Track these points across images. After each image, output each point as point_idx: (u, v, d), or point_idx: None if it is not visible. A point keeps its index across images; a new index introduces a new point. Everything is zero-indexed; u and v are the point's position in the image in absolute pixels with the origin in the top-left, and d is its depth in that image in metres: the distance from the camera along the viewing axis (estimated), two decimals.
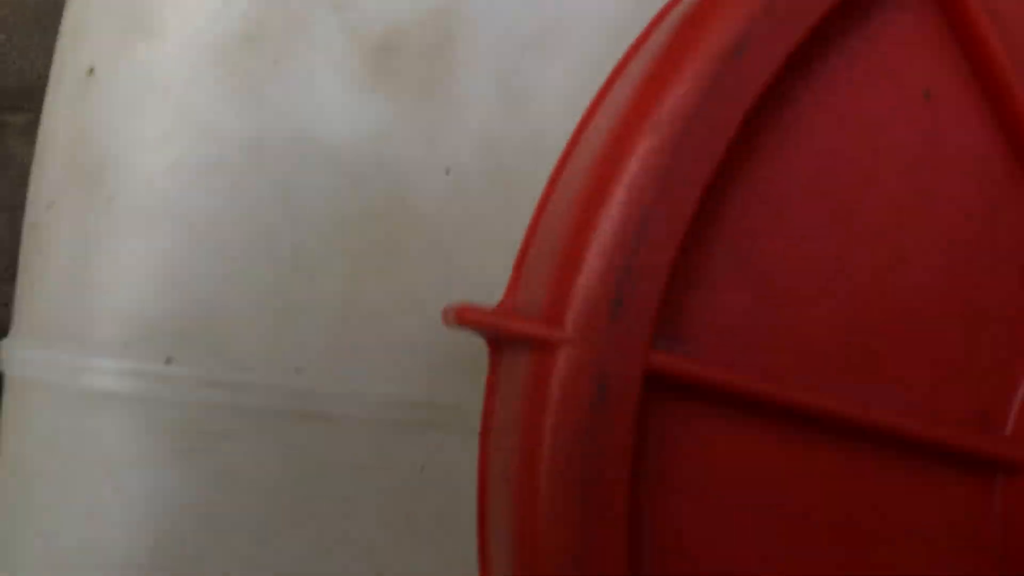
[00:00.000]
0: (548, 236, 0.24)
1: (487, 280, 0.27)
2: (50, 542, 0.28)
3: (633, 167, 0.22)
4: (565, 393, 0.21)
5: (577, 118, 0.26)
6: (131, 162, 0.29)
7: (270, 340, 0.27)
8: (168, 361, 0.27)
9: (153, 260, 0.28)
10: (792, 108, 0.23)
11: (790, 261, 0.23)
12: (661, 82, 0.22)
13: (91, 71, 0.30)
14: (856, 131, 0.24)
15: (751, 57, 0.22)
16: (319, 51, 0.28)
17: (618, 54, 0.26)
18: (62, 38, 0.32)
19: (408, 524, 0.27)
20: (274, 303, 0.27)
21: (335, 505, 0.27)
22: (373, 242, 0.28)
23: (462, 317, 0.23)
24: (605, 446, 0.21)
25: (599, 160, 0.23)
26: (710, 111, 0.22)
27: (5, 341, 0.32)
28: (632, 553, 0.22)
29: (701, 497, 0.22)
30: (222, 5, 0.28)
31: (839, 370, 0.23)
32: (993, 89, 0.24)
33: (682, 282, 0.22)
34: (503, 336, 0.23)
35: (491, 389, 0.25)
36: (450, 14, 0.29)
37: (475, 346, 0.26)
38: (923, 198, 0.24)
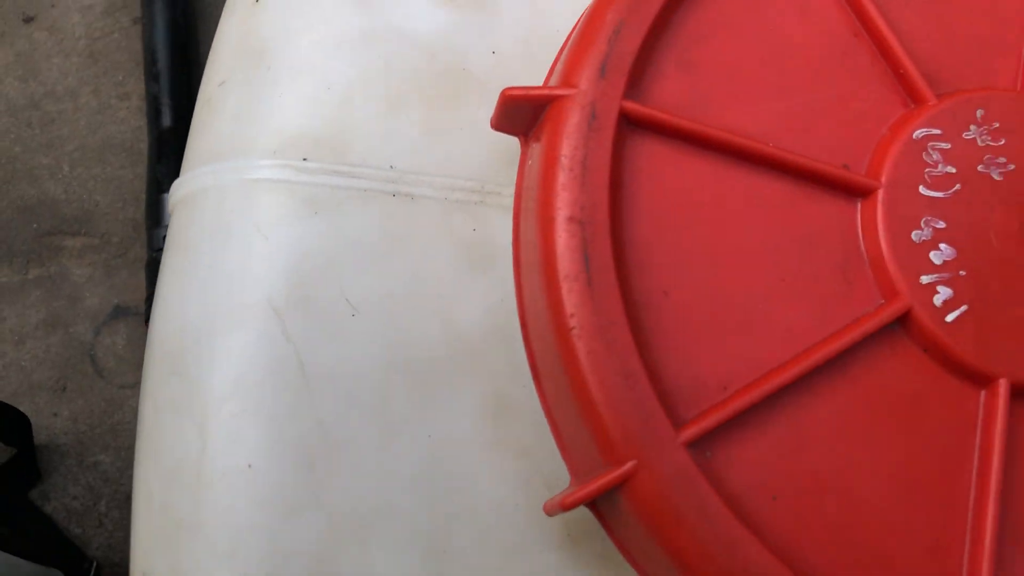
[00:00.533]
0: (566, 46, 0.38)
1: None
2: (207, 289, 0.40)
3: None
4: (570, 122, 0.35)
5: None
6: (284, 45, 0.43)
7: (373, 144, 0.41)
8: (305, 159, 0.41)
9: (297, 101, 0.42)
10: None
11: (722, 57, 0.37)
12: None
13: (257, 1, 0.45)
14: None
15: None
16: None
17: None
18: None
19: (465, 263, 0.40)
20: (374, 125, 0.41)
21: (415, 256, 0.40)
22: (443, 94, 0.42)
23: (509, 94, 0.37)
24: (596, 154, 0.34)
25: (596, 5, 0.37)
26: None
27: (175, 182, 0.45)
28: (616, 251, 0.34)
29: (658, 225, 0.35)
30: None
31: (757, 120, 0.36)
32: None
33: (645, 63, 0.36)
34: (542, 99, 0.36)
35: (521, 171, 0.38)
36: None
37: (512, 150, 0.39)
38: (805, 27, 0.38)
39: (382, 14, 0.43)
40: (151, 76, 1.34)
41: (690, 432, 0.32)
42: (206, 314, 0.40)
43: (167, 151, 1.12)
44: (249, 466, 0.37)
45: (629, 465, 0.32)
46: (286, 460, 0.37)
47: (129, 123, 1.65)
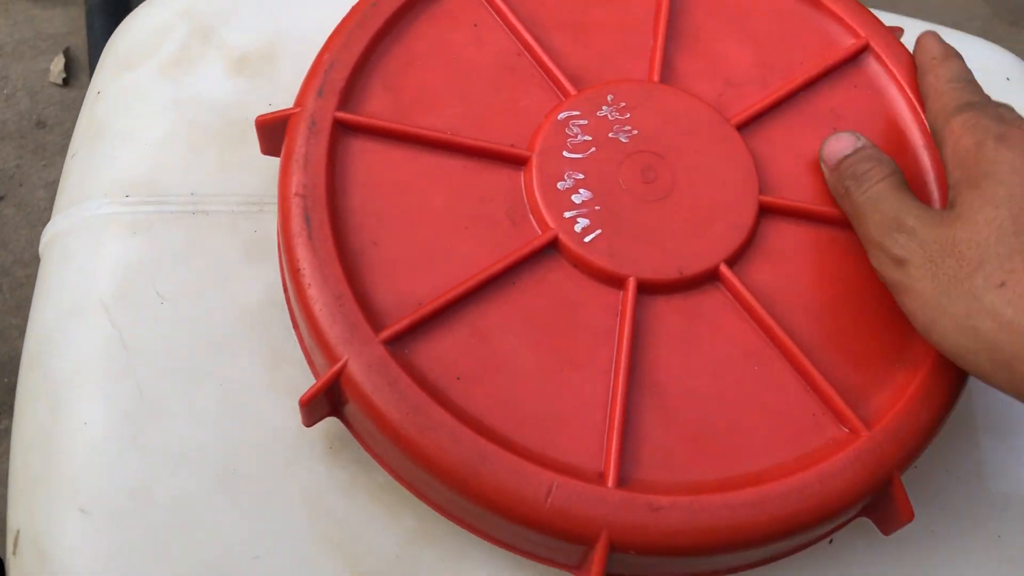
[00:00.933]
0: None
1: None
2: (57, 302, 0.52)
3: (333, 40, 0.49)
4: (298, 129, 0.47)
5: None
6: (115, 120, 0.56)
7: (178, 179, 0.53)
8: (127, 196, 0.53)
9: (122, 157, 0.55)
10: (410, 21, 0.51)
11: (417, 80, 0.50)
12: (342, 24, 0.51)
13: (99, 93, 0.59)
14: (443, 35, 0.52)
15: (383, 6, 0.51)
16: None
17: None
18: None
19: (249, 256, 0.51)
20: (179, 166, 0.54)
21: (210, 255, 0.51)
22: (232, 138, 0.55)
23: (259, 119, 0.49)
24: (315, 150, 0.47)
25: (319, 52, 0.51)
26: (363, 21, 0.50)
27: (43, 232, 0.57)
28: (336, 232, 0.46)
29: (368, 197, 0.48)
30: None
31: (444, 120, 0.49)
32: (507, 22, 0.52)
33: (354, 87, 0.49)
34: (280, 118, 0.49)
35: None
36: None
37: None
38: (481, 53, 0.51)
39: (187, 88, 0.57)
40: None
41: (386, 333, 0.43)
42: (57, 319, 0.52)
43: None
44: (85, 423, 0.48)
45: (341, 362, 0.43)
46: (113, 416, 0.48)
47: None
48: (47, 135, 1.88)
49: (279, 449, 0.48)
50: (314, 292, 0.44)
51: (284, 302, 0.50)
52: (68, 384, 0.50)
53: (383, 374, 0.42)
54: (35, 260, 1.83)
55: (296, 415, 0.47)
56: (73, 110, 1.93)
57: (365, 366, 0.43)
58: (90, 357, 0.50)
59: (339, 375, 0.43)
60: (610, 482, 0.41)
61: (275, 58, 0.57)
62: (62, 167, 0.55)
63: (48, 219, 0.56)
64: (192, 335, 0.50)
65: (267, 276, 0.51)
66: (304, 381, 0.47)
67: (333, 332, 0.43)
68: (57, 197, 0.57)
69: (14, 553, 0.49)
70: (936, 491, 0.49)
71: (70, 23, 2.05)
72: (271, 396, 0.49)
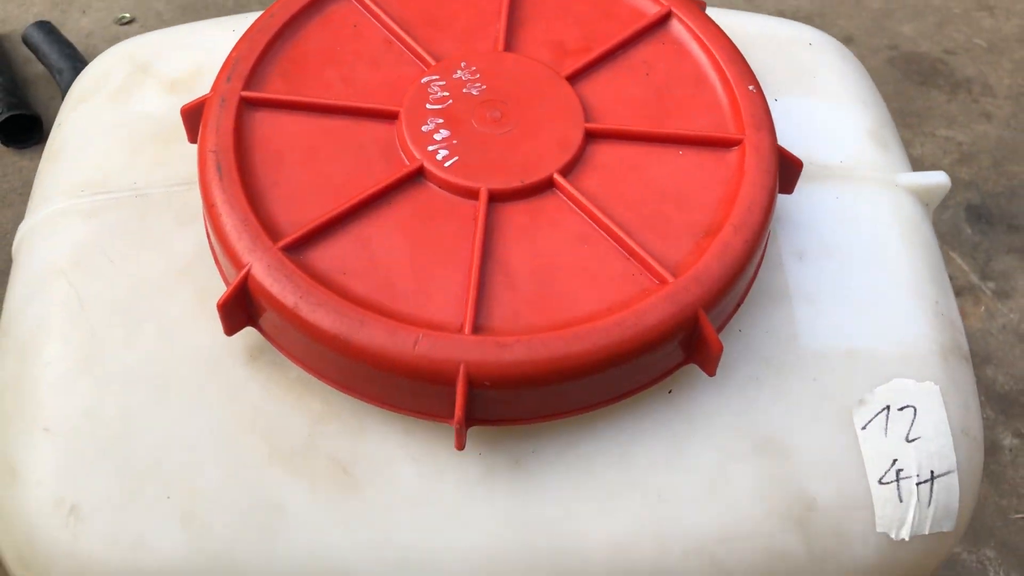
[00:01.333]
0: None
1: None
2: (27, 279, 0.63)
3: (238, 44, 0.62)
4: (211, 107, 0.59)
5: None
6: (74, 152, 0.68)
7: (122, 174, 0.65)
8: (82, 191, 0.65)
9: (73, 166, 0.67)
10: (301, 25, 0.64)
11: (308, 69, 0.62)
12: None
13: None
14: (328, 34, 0.64)
15: (277, 16, 0.64)
16: None
17: None
18: None
19: (180, 220, 0.63)
20: (122, 164, 0.66)
21: (150, 224, 0.63)
22: (168, 139, 0.67)
23: (183, 108, 0.61)
24: (224, 119, 0.58)
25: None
26: (262, 27, 0.63)
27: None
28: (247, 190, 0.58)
29: (269, 153, 0.59)
30: None
31: (329, 92, 0.61)
32: (379, 20, 0.65)
33: (256, 74, 0.61)
34: (199, 102, 0.61)
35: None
36: None
37: None
38: (357, 43, 0.64)
39: (130, 108, 0.69)
40: None
41: (282, 243, 0.54)
42: (25, 294, 0.62)
43: None
44: (47, 363, 0.58)
45: (247, 267, 0.53)
46: (69, 354, 0.58)
47: None
48: None
49: (207, 363, 0.57)
50: (224, 218, 0.55)
51: (210, 252, 0.60)
52: (34, 337, 0.60)
53: (280, 270, 0.53)
54: None
55: (222, 336, 0.57)
56: None
57: (265, 266, 0.53)
58: (52, 312, 0.60)
59: (247, 277, 0.53)
60: (466, 330, 0.51)
61: (200, 77, 0.70)
62: None
63: None
64: (135, 286, 0.60)
65: (196, 236, 0.62)
66: None
67: (240, 245, 0.54)
68: (27, 207, 0.69)
69: None
70: (758, 349, 0.58)
71: None
72: (200, 324, 0.59)
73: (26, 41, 2.39)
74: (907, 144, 0.58)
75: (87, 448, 0.55)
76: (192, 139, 0.63)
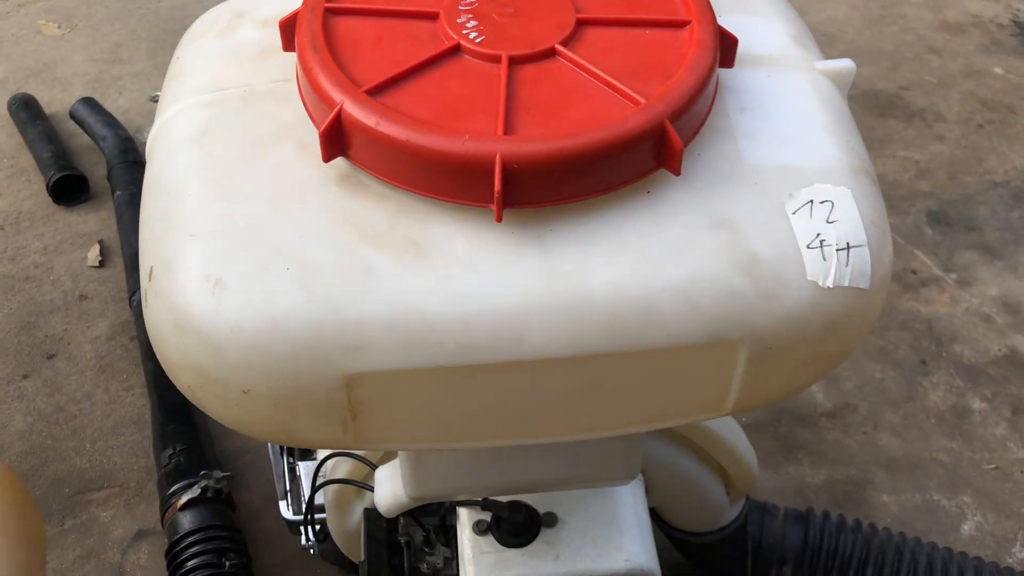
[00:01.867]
0: None
1: None
2: (168, 143, 0.84)
3: None
4: (304, 14, 0.81)
5: None
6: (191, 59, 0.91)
7: (223, 76, 0.87)
8: (201, 94, 0.87)
9: (196, 83, 0.89)
10: None
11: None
12: None
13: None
14: None
15: None
16: None
17: None
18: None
19: (274, 104, 0.85)
20: (232, 72, 0.88)
21: (255, 112, 0.85)
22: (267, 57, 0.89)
23: (280, 21, 0.83)
24: (315, 19, 0.80)
25: None
26: None
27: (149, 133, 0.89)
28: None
29: (348, 42, 0.81)
30: None
31: (394, 6, 0.83)
32: None
33: None
34: (293, 14, 0.83)
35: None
36: None
37: None
38: None
39: (232, 39, 0.91)
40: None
41: (365, 87, 0.76)
42: (164, 160, 0.83)
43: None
44: (189, 195, 0.79)
45: (339, 105, 0.75)
46: (205, 189, 0.79)
47: (135, 405, 2.10)
48: (88, 304, 2.22)
49: (308, 185, 0.78)
50: (320, 76, 0.77)
51: (307, 118, 0.82)
52: (177, 182, 0.81)
53: (364, 104, 0.74)
54: (85, 397, 2.13)
55: (319, 170, 0.78)
56: (109, 284, 2.29)
57: (353, 103, 0.74)
58: (190, 163, 0.81)
59: (340, 111, 0.75)
60: (499, 133, 0.73)
61: None
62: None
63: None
64: (251, 141, 0.81)
65: (294, 111, 0.83)
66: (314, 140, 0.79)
67: (333, 90, 0.76)
68: (155, 115, 0.91)
69: (150, 279, 0.78)
70: (713, 166, 0.79)
71: (101, 222, 2.45)
72: (301, 163, 0.80)
73: (73, 116, 2.67)
74: None
75: (224, 243, 0.76)
76: (287, 47, 0.85)
